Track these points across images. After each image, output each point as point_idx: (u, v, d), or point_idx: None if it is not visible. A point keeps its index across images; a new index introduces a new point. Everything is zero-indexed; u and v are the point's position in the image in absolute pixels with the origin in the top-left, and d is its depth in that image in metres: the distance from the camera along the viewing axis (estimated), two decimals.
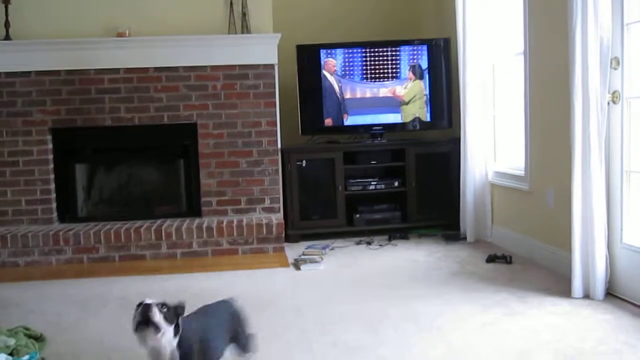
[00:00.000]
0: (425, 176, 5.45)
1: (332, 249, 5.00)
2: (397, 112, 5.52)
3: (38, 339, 2.99)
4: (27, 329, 3.03)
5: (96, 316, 3.53)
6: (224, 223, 4.88)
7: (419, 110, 5.54)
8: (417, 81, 5.52)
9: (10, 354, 2.72)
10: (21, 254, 4.75)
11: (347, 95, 5.48)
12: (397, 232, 5.33)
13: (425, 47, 5.52)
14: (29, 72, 5.08)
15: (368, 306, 3.49)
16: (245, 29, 5.14)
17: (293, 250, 4.92)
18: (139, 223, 4.99)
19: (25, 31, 5.07)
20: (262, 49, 5.13)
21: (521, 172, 4.57)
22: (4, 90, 5.07)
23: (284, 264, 4.57)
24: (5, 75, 5.06)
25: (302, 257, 4.65)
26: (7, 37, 5.00)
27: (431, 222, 5.47)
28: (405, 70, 5.50)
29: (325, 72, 5.45)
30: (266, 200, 5.18)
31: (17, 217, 5.07)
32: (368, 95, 5.51)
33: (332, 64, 5.46)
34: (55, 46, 5.04)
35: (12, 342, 2.79)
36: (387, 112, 5.53)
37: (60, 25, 5.10)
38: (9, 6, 4.98)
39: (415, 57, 5.51)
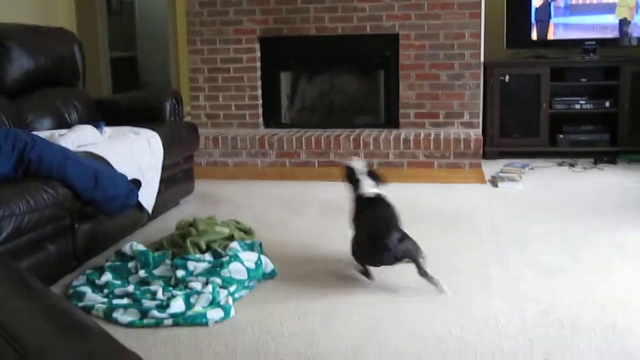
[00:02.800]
0: None
1: (532, 168, 4.81)
2: (614, 24, 5.07)
3: (247, 232, 3.22)
4: (237, 222, 3.27)
5: (299, 216, 3.73)
6: (421, 136, 4.87)
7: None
8: None
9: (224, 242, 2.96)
10: (231, 155, 5.11)
11: (559, 5, 5.11)
12: (604, 156, 5.00)
13: None
14: None
15: (568, 229, 3.35)
16: None
17: (490, 167, 4.80)
18: (338, 131, 5.13)
19: None
20: None
21: None
22: (217, 0, 5.35)
23: (481, 180, 4.49)
24: None
25: (500, 174, 4.53)
26: None
27: None
28: None
29: None
30: (465, 115, 5.07)
31: (227, 120, 5.43)
32: (583, 3, 5.09)
33: None
34: None
35: (226, 231, 3.04)
36: (601, 26, 5.09)
37: None
38: None
39: None
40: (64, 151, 2.78)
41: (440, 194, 4.18)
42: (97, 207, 2.87)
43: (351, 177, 2.93)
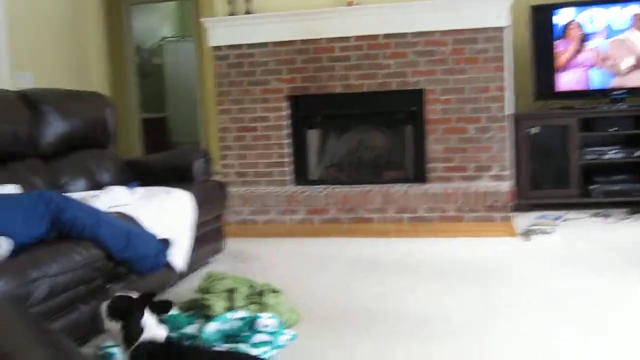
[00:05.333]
0: None
1: (565, 220, 4.74)
2: None
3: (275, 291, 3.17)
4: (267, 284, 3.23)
5: (327, 273, 3.70)
6: (450, 190, 4.84)
7: None
8: None
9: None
10: (260, 213, 5.13)
11: (585, 57, 5.12)
12: (639, 206, 4.91)
13: None
14: (267, 43, 5.40)
15: (605, 282, 3.27)
16: None
17: (522, 220, 4.74)
18: (367, 187, 5.13)
19: (264, 5, 5.40)
20: (493, 11, 4.93)
21: None
22: (245, 61, 5.46)
23: (512, 233, 4.43)
24: (246, 47, 5.43)
25: (532, 227, 4.47)
26: (248, 12, 5.36)
27: None
28: None
29: (561, 33, 5.14)
30: (494, 168, 5.04)
31: (256, 178, 5.47)
32: (610, 57, 5.10)
33: (569, 25, 5.13)
34: (291, 17, 5.29)
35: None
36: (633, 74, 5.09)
37: None
38: None
39: None
40: (97, 212, 2.81)
41: (471, 248, 4.13)
42: (129, 266, 2.88)
43: (124, 313, 2.13)
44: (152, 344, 2.08)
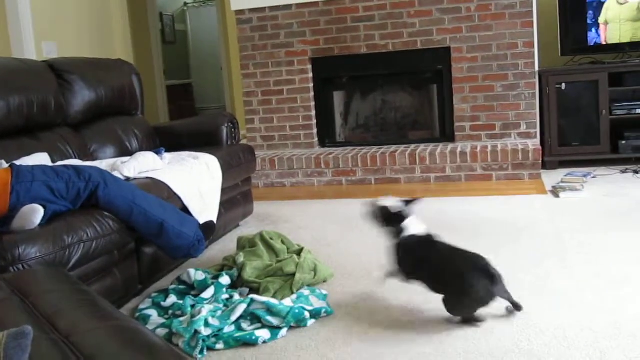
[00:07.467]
0: None
1: (594, 177, 4.70)
2: None
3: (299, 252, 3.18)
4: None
5: (357, 233, 3.72)
6: (478, 148, 4.82)
7: None
8: None
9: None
10: (287, 176, 5.16)
11: (613, 10, 5.00)
12: None
13: None
14: (290, 5, 5.37)
15: (634, 238, 3.25)
16: None
17: (551, 178, 4.71)
18: (393, 148, 5.13)
19: None
20: None
21: None
22: (268, 24, 5.44)
23: (541, 191, 4.41)
24: (269, 10, 5.41)
25: (561, 184, 4.43)
26: None
27: None
28: None
29: None
30: (522, 125, 5.00)
31: (283, 141, 5.49)
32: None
33: None
34: None
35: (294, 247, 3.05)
36: None
37: None
38: None
39: None
40: (133, 197, 2.75)
41: (501, 207, 4.12)
42: (161, 249, 2.90)
43: (389, 219, 2.54)
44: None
